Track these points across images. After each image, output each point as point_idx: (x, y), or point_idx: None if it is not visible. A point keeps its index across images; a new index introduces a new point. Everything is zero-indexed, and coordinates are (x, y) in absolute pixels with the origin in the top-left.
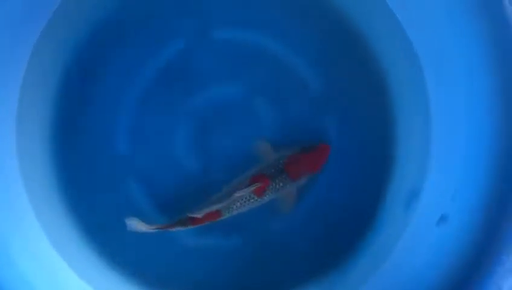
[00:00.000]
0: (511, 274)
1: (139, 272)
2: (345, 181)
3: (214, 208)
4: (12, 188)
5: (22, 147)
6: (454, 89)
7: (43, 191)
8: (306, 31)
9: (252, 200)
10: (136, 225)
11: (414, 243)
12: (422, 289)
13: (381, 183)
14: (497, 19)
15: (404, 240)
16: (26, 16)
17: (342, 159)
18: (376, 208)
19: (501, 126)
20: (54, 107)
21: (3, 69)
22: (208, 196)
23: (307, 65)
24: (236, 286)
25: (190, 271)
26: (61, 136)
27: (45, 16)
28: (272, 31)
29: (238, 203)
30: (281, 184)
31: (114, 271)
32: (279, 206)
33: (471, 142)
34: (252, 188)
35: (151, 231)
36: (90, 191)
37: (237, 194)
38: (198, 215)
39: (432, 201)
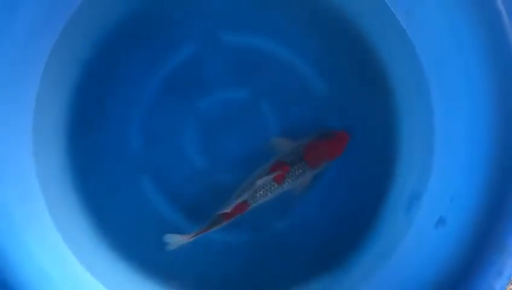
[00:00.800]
0: (502, 275)
1: (146, 265)
2: (348, 182)
3: (240, 199)
4: (27, 183)
5: (38, 143)
6: (456, 95)
7: (58, 186)
8: (313, 36)
9: (273, 188)
10: (175, 240)
11: (414, 244)
12: (420, 288)
13: (384, 185)
14: (496, 32)
15: (405, 241)
16: (46, 17)
17: (346, 161)
18: (378, 210)
19: (499, 134)
20: (70, 105)
21: (22, 67)
22: (215, 193)
23: (312, 70)
24: (238, 281)
25: (198, 264)
26: (77, 133)
27: (64, 16)
28: (280, 36)
29: (261, 192)
30: (300, 171)
31: (123, 263)
32: (294, 189)
33: (472, 148)
34: (272, 175)
35: (191, 240)
36: (103, 186)
37: (259, 182)
38: (228, 210)
39: (431, 204)
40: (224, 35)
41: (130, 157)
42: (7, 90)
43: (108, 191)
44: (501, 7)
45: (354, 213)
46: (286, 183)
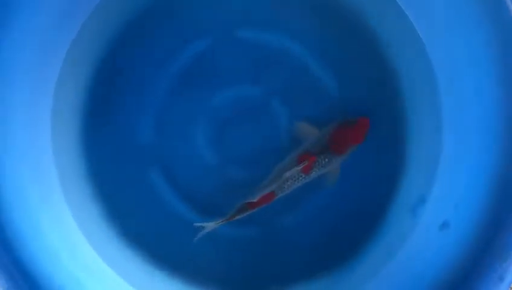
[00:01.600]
0: (503, 281)
1: (154, 255)
2: (356, 182)
3: (268, 190)
4: (45, 172)
5: (56, 135)
6: (466, 103)
7: (73, 175)
8: (328, 36)
9: (301, 178)
10: (203, 227)
11: (417, 246)
12: (422, 289)
13: (391, 187)
14: (507, 37)
15: (409, 242)
16: (70, 7)
17: (356, 162)
18: (385, 211)
19: (506, 143)
20: (86, 99)
21: (44, 60)
22: (225, 188)
23: (325, 70)
24: (242, 276)
25: (206, 257)
26: (92, 125)
27: (87, 7)
28: (295, 34)
29: (289, 182)
30: (326, 160)
31: (131, 250)
32: (325, 180)
33: (478, 157)
34: (300, 167)
35: (217, 226)
36: (115, 175)
37: (287, 174)
38: (254, 199)
39: (436, 208)
40: (239, 32)
41: (142, 149)
42: (29, 76)
43: (120, 180)
44: None
45: (361, 213)
46: (313, 173)
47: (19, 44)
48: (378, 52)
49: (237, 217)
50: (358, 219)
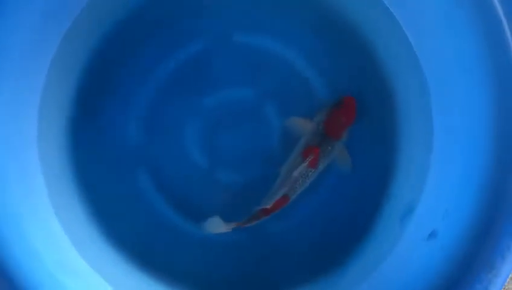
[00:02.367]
0: None
1: (143, 259)
2: (346, 190)
3: (280, 194)
4: (30, 173)
5: (42, 135)
6: (456, 112)
7: (59, 176)
8: (322, 42)
9: (310, 173)
10: (215, 225)
11: (404, 255)
12: None
13: (381, 195)
14: (499, 46)
15: (396, 251)
16: (57, 9)
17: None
18: (374, 218)
19: (495, 154)
20: (74, 99)
21: (32, 57)
22: (215, 192)
23: (319, 76)
24: (234, 281)
25: (193, 262)
26: (80, 126)
27: (76, 8)
28: (289, 39)
29: (300, 181)
30: (329, 148)
31: (118, 255)
32: (340, 167)
33: (466, 167)
34: (307, 162)
35: (229, 230)
36: (102, 177)
37: (295, 174)
38: (267, 206)
39: (424, 218)
40: (233, 35)
41: (130, 151)
42: (16, 80)
43: (107, 182)
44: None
45: (349, 221)
46: (320, 164)
47: (5, 45)
48: (370, 58)
49: (250, 224)
50: (347, 226)
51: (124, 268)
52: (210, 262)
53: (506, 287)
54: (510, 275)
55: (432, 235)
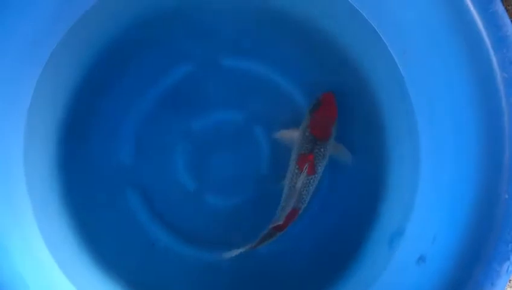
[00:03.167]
0: None
1: (133, 281)
2: (335, 214)
3: (289, 207)
4: (16, 192)
5: (29, 153)
6: (444, 138)
7: (46, 196)
8: (309, 65)
9: (312, 181)
10: (231, 252)
11: (394, 278)
12: None
13: (369, 219)
14: (483, 66)
15: (386, 274)
16: (40, 34)
17: (334, 194)
18: (362, 242)
19: (483, 179)
20: (62, 117)
21: (20, 72)
22: (204, 214)
23: (307, 96)
24: None
25: (184, 284)
26: (68, 146)
27: (65, 26)
28: (277, 63)
29: (304, 191)
30: (322, 150)
31: (108, 278)
32: (341, 163)
33: (455, 190)
34: (305, 171)
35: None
36: (90, 199)
37: (298, 185)
38: (280, 222)
39: (413, 241)
40: (221, 59)
41: (118, 173)
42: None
43: (97, 206)
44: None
45: (339, 243)
46: (319, 168)
47: None
48: (359, 80)
49: (265, 243)
50: (336, 249)
51: (108, 286)
52: (202, 284)
53: None
54: None
55: (421, 259)
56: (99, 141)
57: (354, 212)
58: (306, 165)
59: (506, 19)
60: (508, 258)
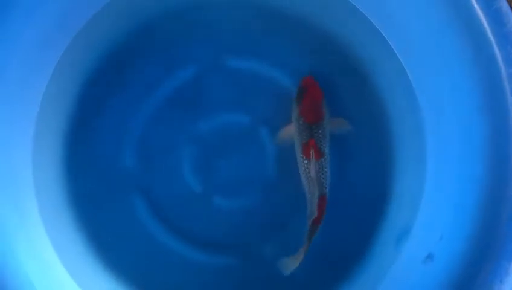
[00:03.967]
0: None
1: (141, 285)
2: (341, 214)
3: (316, 198)
4: (23, 195)
5: (37, 157)
6: (450, 135)
7: (52, 199)
8: (315, 66)
9: (323, 163)
10: (289, 263)
11: (401, 276)
12: None
13: (377, 218)
14: (488, 62)
15: (393, 273)
16: (46, 41)
17: (341, 193)
18: (369, 241)
19: (490, 177)
20: (69, 119)
21: (29, 77)
22: (210, 217)
23: None
24: None
25: (191, 287)
26: (74, 150)
27: (71, 31)
28: (282, 63)
29: (322, 175)
30: (320, 131)
31: (114, 280)
32: (341, 132)
33: (462, 188)
34: (313, 158)
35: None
36: (98, 205)
37: (312, 174)
38: (315, 215)
39: (420, 239)
40: (226, 60)
41: (125, 174)
42: (9, 110)
43: (104, 210)
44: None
45: (345, 244)
46: (325, 149)
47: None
48: (365, 82)
49: (312, 240)
50: (341, 249)
51: None
52: (209, 287)
53: None
54: None
55: (429, 257)
56: (105, 144)
57: (359, 212)
58: (311, 152)
59: (511, 16)
60: None
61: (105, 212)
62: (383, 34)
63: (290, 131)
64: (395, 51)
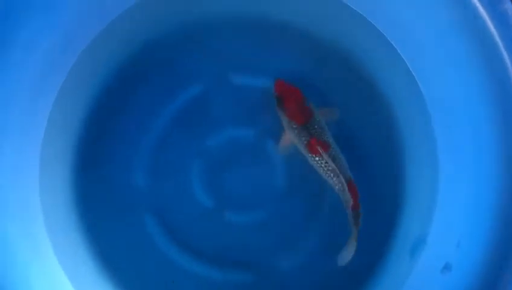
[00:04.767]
0: None
1: None
2: None
3: (345, 187)
4: (32, 218)
5: (44, 176)
6: (462, 140)
7: (63, 224)
8: (320, 79)
9: (333, 152)
10: (344, 255)
11: (418, 287)
12: None
13: (389, 228)
14: (500, 75)
15: (409, 283)
16: (49, 66)
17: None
18: (383, 252)
19: (506, 182)
20: (76, 141)
21: (33, 102)
22: (222, 233)
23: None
24: None
25: None
26: (83, 170)
27: (76, 51)
28: (289, 78)
29: (338, 164)
30: (316, 126)
31: None
32: (334, 119)
33: (478, 192)
34: (322, 152)
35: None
36: (107, 223)
37: (330, 164)
38: (351, 201)
39: (437, 248)
40: (232, 76)
41: (135, 195)
42: (16, 135)
43: (114, 230)
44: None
45: (358, 255)
46: (329, 140)
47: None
48: (374, 93)
49: (359, 224)
50: (357, 260)
51: None
52: None
53: None
54: None
55: (446, 267)
56: (114, 166)
57: (373, 221)
58: (318, 147)
59: None
60: None
61: (116, 233)
62: (388, 39)
63: (288, 138)
64: (407, 63)
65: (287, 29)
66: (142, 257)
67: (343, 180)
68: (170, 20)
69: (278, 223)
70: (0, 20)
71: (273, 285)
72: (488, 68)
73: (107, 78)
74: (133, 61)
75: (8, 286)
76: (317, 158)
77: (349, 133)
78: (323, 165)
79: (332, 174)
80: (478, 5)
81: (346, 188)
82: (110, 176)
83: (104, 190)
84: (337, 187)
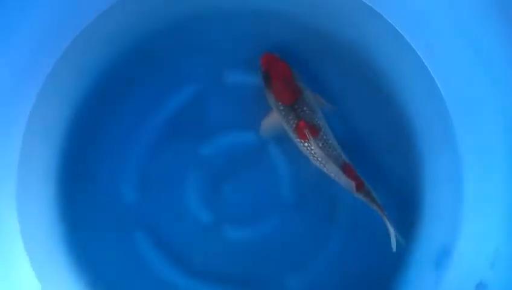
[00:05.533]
0: None
1: None
2: (368, 236)
3: (341, 172)
4: (9, 242)
5: (23, 194)
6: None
7: (43, 242)
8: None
9: (324, 137)
10: (392, 240)
11: None
12: None
13: (410, 238)
14: None
15: None
16: (31, 62)
17: (367, 213)
18: (401, 265)
19: None
20: (59, 151)
21: (9, 110)
22: (222, 248)
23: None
24: None
25: None
26: (66, 182)
27: (55, 54)
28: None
29: (329, 149)
30: (305, 108)
31: None
32: (320, 106)
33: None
34: (310, 137)
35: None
36: (94, 243)
37: (318, 152)
38: (356, 182)
39: (466, 264)
40: (227, 75)
41: (124, 210)
42: None
43: (100, 248)
44: None
45: (375, 270)
46: (319, 122)
47: None
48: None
49: (376, 200)
50: (372, 276)
51: None
52: None
53: None
54: None
55: (480, 286)
56: (100, 178)
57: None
58: (306, 132)
59: None
60: None
61: (104, 253)
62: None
63: (272, 119)
64: (431, 72)
65: (285, 23)
66: (134, 278)
67: (336, 168)
68: (156, 16)
69: (284, 239)
70: None
71: None
72: None
73: (89, 83)
74: (118, 64)
75: None
76: (306, 144)
77: (362, 138)
78: (312, 152)
79: (323, 162)
80: None
81: (342, 174)
82: (96, 190)
83: (90, 206)
84: (332, 175)
